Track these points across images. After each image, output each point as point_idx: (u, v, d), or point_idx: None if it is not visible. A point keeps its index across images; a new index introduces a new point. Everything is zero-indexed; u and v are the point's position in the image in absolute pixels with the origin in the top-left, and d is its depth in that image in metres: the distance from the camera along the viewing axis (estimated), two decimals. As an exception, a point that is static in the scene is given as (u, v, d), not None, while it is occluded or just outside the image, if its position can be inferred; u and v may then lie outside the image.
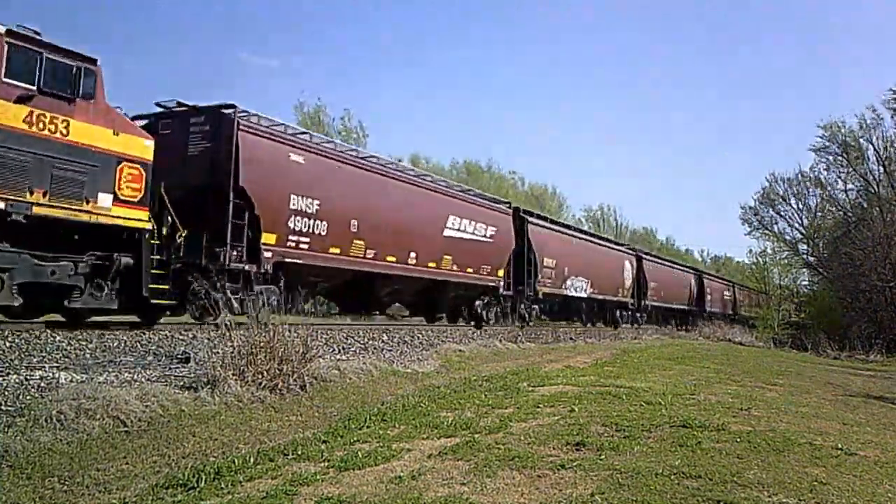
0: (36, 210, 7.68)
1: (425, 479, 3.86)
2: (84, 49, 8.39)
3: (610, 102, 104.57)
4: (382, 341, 11.16)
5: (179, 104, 10.84)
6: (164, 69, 70.56)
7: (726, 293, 44.64)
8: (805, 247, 41.89)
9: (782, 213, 41.67)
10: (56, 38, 8.14)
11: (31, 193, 7.65)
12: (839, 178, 37.29)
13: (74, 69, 8.01)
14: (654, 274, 31.28)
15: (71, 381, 5.46)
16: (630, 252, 30.47)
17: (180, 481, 4.02)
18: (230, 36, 79.31)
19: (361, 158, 13.95)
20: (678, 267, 38.09)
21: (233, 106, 10.59)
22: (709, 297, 39.36)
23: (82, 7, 69.39)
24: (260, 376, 6.11)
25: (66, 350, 7.27)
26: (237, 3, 79.08)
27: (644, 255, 31.67)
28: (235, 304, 10.21)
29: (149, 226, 8.99)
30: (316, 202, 11.66)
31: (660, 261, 34.80)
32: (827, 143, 36.07)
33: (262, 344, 6.31)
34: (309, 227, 11.56)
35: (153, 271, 9.07)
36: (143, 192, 8.88)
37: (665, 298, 32.67)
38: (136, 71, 63.63)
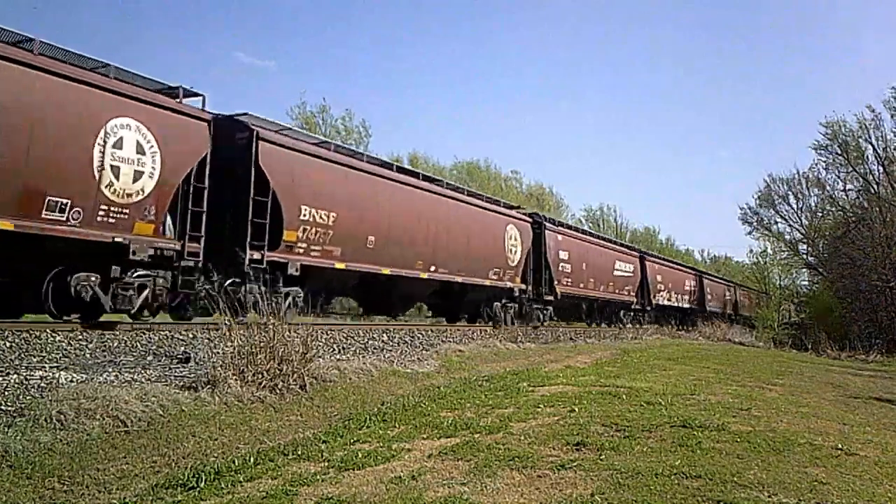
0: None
1: (425, 479, 3.86)
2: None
3: (610, 103, 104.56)
4: (382, 341, 11.17)
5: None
6: (162, 69, 70.59)
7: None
8: (805, 247, 41.91)
9: (782, 214, 41.71)
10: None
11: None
12: (839, 178, 37.21)
13: None
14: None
15: (71, 381, 5.46)
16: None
17: (180, 481, 4.02)
18: (229, 37, 79.27)
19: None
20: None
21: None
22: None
23: (79, 6, 69.41)
24: (260, 376, 6.11)
25: (66, 350, 7.29)
26: (236, 4, 79.09)
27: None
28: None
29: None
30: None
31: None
32: (828, 142, 36.03)
33: (262, 344, 6.31)
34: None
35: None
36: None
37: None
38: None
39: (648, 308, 29.88)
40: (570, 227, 24.27)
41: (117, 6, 71.62)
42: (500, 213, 18.24)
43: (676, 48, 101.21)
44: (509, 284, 18.26)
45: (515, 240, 18.53)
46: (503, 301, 18.24)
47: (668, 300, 32.42)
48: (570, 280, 21.83)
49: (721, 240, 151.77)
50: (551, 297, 20.42)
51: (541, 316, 20.33)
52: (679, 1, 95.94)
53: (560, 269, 21.12)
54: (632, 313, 28.84)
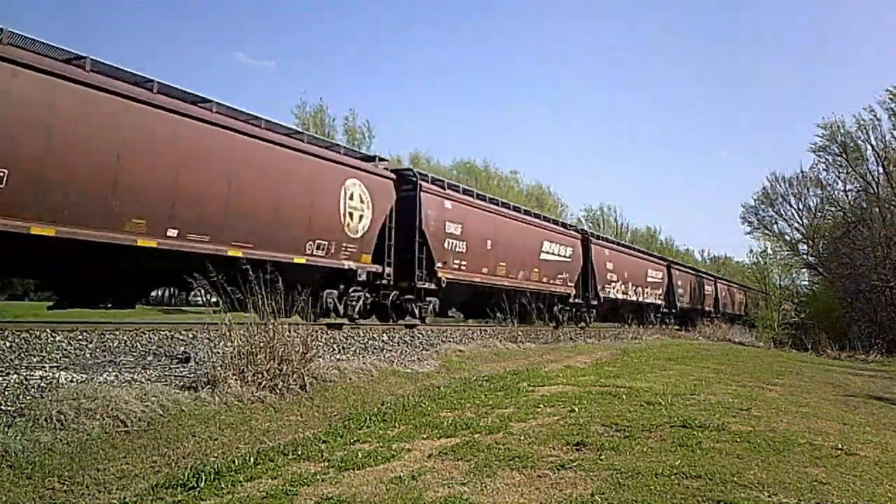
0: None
1: (425, 479, 3.86)
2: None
3: (611, 103, 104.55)
4: (382, 341, 11.17)
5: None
6: (160, 68, 70.57)
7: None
8: (805, 247, 41.96)
9: (782, 213, 41.80)
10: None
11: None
12: (838, 178, 37.27)
13: None
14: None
15: (71, 381, 5.46)
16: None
17: (180, 481, 4.02)
18: (229, 37, 79.21)
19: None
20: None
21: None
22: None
23: (79, 6, 69.40)
24: (260, 376, 6.11)
25: (66, 350, 7.29)
26: (235, 4, 79.05)
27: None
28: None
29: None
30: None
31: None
32: (827, 143, 36.06)
33: (262, 344, 6.31)
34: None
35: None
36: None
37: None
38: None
39: (594, 302, 24.49)
40: (467, 193, 17.42)
41: (117, 6, 71.62)
42: (331, 160, 12.43)
43: (677, 48, 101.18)
44: (349, 265, 12.70)
45: (361, 201, 12.98)
46: (350, 289, 13.06)
47: (624, 293, 27.15)
48: (464, 263, 15.99)
49: (721, 240, 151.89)
50: (432, 286, 14.93)
51: (416, 311, 14.95)
52: (680, 1, 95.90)
53: (447, 246, 15.41)
54: (571, 309, 23.17)
